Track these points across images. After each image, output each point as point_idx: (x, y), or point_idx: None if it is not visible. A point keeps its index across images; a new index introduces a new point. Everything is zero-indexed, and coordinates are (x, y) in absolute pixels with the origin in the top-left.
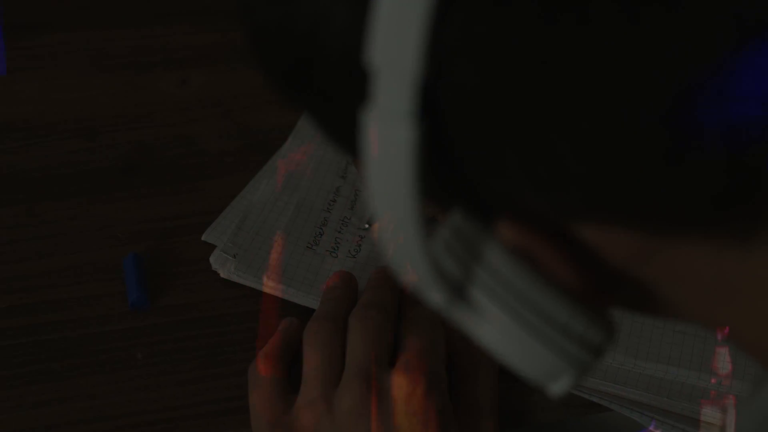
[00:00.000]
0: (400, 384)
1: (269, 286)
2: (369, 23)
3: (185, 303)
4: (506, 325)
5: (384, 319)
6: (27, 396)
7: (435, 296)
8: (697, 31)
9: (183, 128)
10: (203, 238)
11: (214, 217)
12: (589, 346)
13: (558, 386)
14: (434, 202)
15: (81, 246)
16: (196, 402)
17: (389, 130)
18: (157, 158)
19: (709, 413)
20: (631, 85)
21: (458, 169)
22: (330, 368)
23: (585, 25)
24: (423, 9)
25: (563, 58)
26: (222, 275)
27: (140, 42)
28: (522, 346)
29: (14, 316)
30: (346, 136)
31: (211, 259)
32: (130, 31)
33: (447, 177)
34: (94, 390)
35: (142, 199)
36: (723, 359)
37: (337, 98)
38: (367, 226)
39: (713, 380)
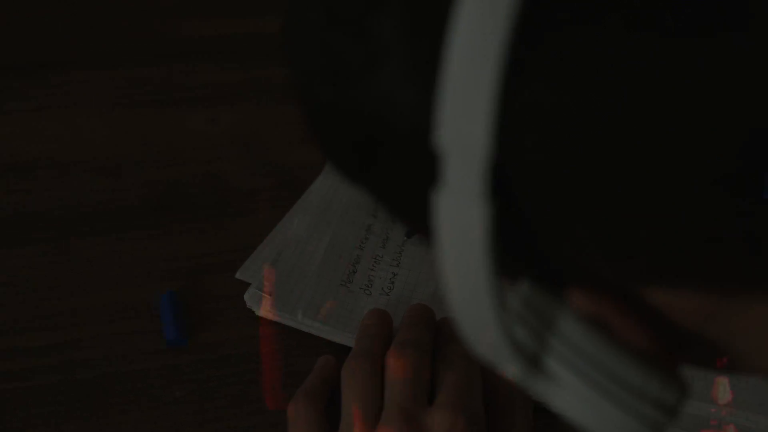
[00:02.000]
0: (439, 422)
1: (304, 323)
2: (436, 105)
3: (221, 340)
4: (583, 392)
5: (421, 357)
6: None
7: (511, 368)
8: None
9: (212, 166)
10: (237, 276)
11: (246, 254)
12: (664, 407)
13: None
14: (503, 275)
15: (113, 284)
16: None
17: (462, 210)
18: (187, 196)
19: None
20: (695, 158)
21: (530, 242)
22: (369, 407)
23: (643, 106)
24: (490, 90)
25: (625, 133)
26: (257, 313)
27: (165, 80)
28: (599, 412)
29: (50, 354)
30: (411, 213)
31: (246, 297)
32: (153, 69)
33: (518, 250)
34: (132, 428)
35: (173, 236)
36: (724, 389)
37: (402, 177)
38: (406, 238)
39: (713, 410)
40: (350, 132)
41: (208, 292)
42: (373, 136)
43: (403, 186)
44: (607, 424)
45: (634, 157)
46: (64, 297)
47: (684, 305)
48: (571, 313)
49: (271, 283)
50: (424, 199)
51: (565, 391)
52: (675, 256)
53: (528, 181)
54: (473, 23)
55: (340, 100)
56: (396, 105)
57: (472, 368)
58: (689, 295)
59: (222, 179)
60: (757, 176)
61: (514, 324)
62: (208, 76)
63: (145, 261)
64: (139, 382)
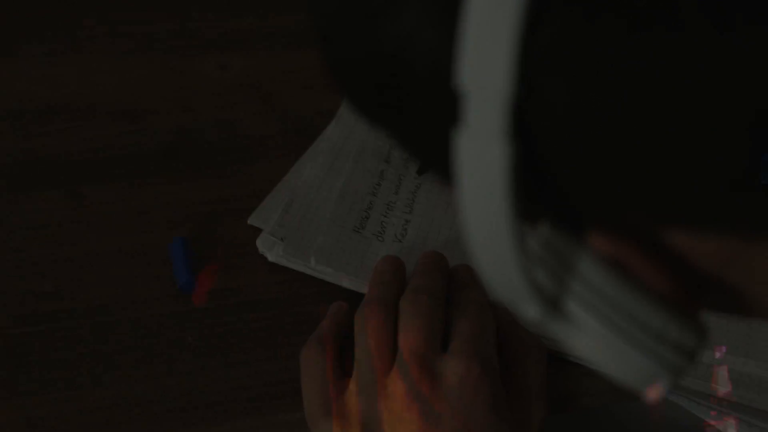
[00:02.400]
0: (453, 368)
1: (317, 269)
2: (457, 44)
3: (233, 287)
4: (602, 334)
5: (434, 303)
6: (79, 378)
7: (530, 310)
8: None
9: (224, 112)
10: (249, 221)
11: (258, 201)
12: (683, 350)
13: (654, 391)
14: (523, 217)
15: (126, 229)
16: (248, 385)
17: (482, 150)
18: (200, 142)
19: None
20: (726, 95)
21: (551, 184)
22: (383, 353)
23: (676, 37)
24: (511, 28)
25: (653, 71)
26: (269, 259)
27: (177, 27)
28: (618, 354)
29: (65, 298)
30: (432, 155)
31: (258, 243)
32: (165, 15)
33: (538, 192)
34: (147, 372)
35: (184, 182)
36: (723, 377)
37: (423, 119)
38: (417, 175)
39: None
40: (371, 73)
41: (221, 238)
42: (395, 77)
43: (424, 127)
44: (626, 366)
45: (662, 97)
46: (80, 242)
47: (705, 249)
48: (591, 256)
49: (284, 229)
50: (445, 140)
51: (583, 333)
52: (699, 198)
53: (550, 120)
54: None
55: (361, 40)
56: (417, 45)
57: (486, 315)
58: (711, 239)
59: (233, 126)
60: None
61: (534, 265)
62: (221, 24)
63: (158, 207)
64: (154, 327)
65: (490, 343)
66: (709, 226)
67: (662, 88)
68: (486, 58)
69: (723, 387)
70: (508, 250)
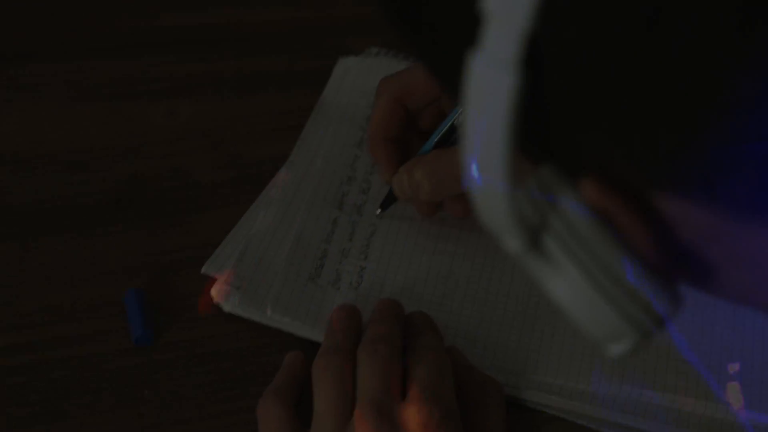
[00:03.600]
0: (413, 416)
1: (273, 319)
2: None
3: (189, 338)
4: (577, 280)
5: (391, 352)
6: None
7: (511, 242)
8: None
9: (174, 160)
10: (203, 270)
11: (211, 250)
12: (653, 314)
13: (617, 349)
14: (524, 155)
15: (78, 282)
16: None
17: (493, 75)
18: (150, 191)
19: None
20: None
21: (552, 123)
22: (342, 403)
23: (698, 15)
24: None
25: (668, 30)
26: (225, 309)
27: (124, 72)
28: (589, 303)
29: (15, 355)
30: (449, 76)
31: (213, 293)
32: (112, 62)
33: (540, 130)
34: (102, 429)
35: (136, 232)
36: (735, 392)
37: (445, 38)
38: (379, 211)
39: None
40: None
41: (175, 288)
42: None
43: (444, 47)
44: (595, 317)
45: (673, 59)
46: (29, 296)
47: (693, 220)
48: (580, 202)
49: (239, 278)
50: (461, 63)
51: (560, 276)
52: (697, 167)
53: (561, 58)
54: None
55: None
56: None
57: (443, 360)
58: (700, 211)
59: (183, 173)
60: None
61: (525, 200)
62: (168, 69)
63: (110, 258)
64: (110, 381)
65: (449, 389)
66: (702, 197)
67: (673, 46)
68: None
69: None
70: (501, 178)
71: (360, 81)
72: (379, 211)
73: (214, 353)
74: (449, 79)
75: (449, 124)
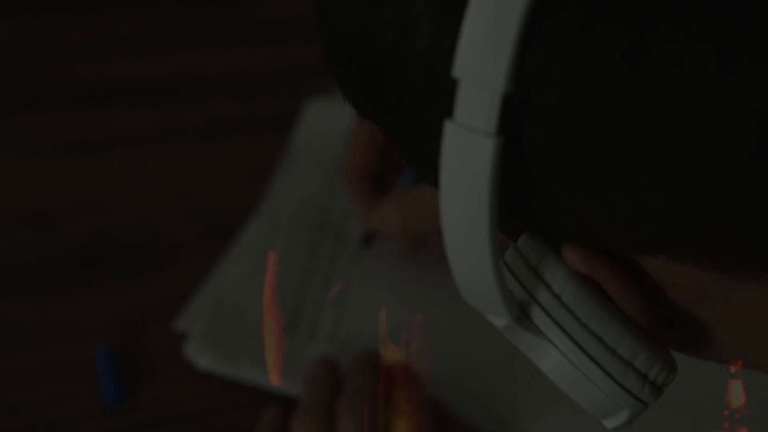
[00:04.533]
0: None
1: (250, 374)
2: (456, 37)
3: (162, 397)
4: (567, 355)
5: (371, 406)
6: None
7: (499, 319)
8: None
9: (139, 213)
10: (176, 326)
11: (181, 304)
12: (650, 383)
13: (613, 422)
14: (504, 227)
15: (44, 343)
16: None
17: (470, 145)
18: (116, 246)
19: None
20: (720, 124)
21: (532, 189)
22: None
23: (676, 70)
24: (514, 29)
25: (652, 97)
26: (200, 365)
27: (82, 124)
28: (580, 381)
29: None
30: (414, 146)
31: (186, 350)
32: (69, 114)
33: (519, 198)
34: None
35: (104, 289)
36: (737, 391)
37: (410, 109)
38: (364, 242)
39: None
40: (363, 61)
41: (146, 346)
42: (385, 66)
43: (410, 119)
44: (588, 392)
45: (649, 121)
46: None
47: (682, 280)
48: (565, 270)
49: (212, 334)
50: (432, 135)
51: (548, 350)
52: (681, 224)
53: (538, 123)
54: None
55: (357, 26)
56: (413, 35)
57: (424, 412)
58: (688, 270)
59: (149, 226)
60: None
61: (508, 273)
62: (127, 119)
63: (77, 318)
64: None
65: None
66: (691, 256)
67: (655, 112)
68: (485, 53)
69: (737, 400)
70: (484, 254)
71: (329, 124)
72: (361, 245)
73: (188, 414)
74: (416, 153)
75: None
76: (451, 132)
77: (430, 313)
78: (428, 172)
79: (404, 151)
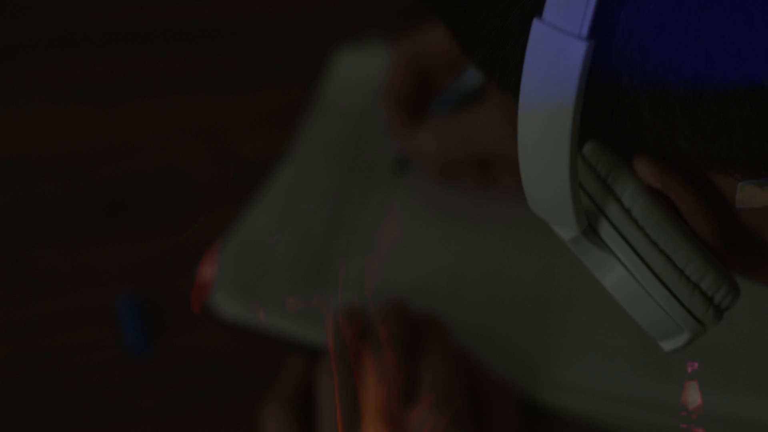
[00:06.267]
0: (422, 420)
1: (275, 322)
2: None
3: (186, 345)
4: (634, 272)
5: (399, 355)
6: None
7: (565, 230)
8: None
9: (167, 159)
10: (200, 273)
11: (207, 250)
12: (714, 306)
13: (672, 344)
14: (582, 130)
15: (70, 290)
16: None
17: (558, 45)
18: (143, 192)
19: None
20: None
21: (612, 97)
22: (348, 410)
23: None
24: None
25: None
26: (224, 314)
27: (113, 71)
28: (646, 298)
29: (5, 368)
30: (490, 46)
31: (212, 298)
32: (101, 60)
33: (597, 104)
34: None
35: (130, 236)
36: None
37: (492, 5)
38: (398, 165)
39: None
40: None
41: (171, 293)
42: None
43: (494, 18)
44: (649, 314)
45: (756, 29)
46: (21, 305)
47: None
48: (636, 183)
49: (239, 282)
50: (514, 34)
51: (614, 266)
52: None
53: (631, 29)
54: None
55: None
56: None
57: (452, 362)
58: (762, 190)
59: (179, 172)
60: None
61: (580, 185)
62: (159, 66)
63: (103, 263)
64: (105, 393)
65: (458, 390)
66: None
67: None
68: None
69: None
70: (561, 161)
71: (356, 73)
72: (395, 169)
73: (214, 362)
74: (490, 53)
75: (461, 85)
76: (538, 32)
77: (461, 261)
78: (501, 73)
79: (475, 52)
